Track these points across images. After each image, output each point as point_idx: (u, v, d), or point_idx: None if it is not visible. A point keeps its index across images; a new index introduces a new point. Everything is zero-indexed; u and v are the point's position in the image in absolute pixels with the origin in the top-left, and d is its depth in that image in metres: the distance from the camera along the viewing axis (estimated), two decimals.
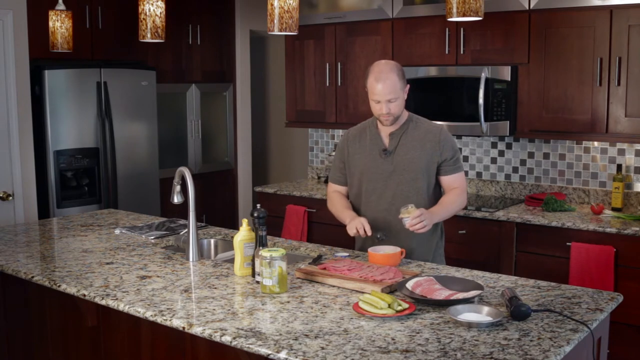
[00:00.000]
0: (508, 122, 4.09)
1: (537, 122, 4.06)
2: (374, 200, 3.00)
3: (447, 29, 4.29)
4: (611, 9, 3.72)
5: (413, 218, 2.72)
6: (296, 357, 1.86)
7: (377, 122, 3.04)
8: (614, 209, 3.94)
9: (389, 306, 2.15)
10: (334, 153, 5.09)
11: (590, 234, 3.61)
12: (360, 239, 3.08)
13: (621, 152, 4.10)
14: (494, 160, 4.59)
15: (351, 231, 2.88)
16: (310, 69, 5.04)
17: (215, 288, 2.50)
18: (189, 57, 5.79)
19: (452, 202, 2.96)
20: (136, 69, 5.18)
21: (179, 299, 2.39)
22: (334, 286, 2.49)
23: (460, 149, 4.71)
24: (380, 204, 2.98)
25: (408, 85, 2.95)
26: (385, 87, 2.85)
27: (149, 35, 3.21)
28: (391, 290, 2.42)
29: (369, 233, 2.85)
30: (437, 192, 3.04)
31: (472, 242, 4.00)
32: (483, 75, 4.10)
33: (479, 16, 2.85)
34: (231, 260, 2.87)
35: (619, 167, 3.99)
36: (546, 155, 4.37)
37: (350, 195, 3.13)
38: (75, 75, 4.78)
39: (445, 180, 3.00)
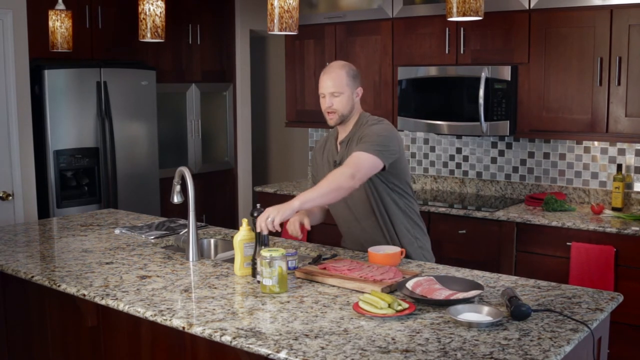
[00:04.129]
0: (508, 121, 4.09)
1: (537, 122, 4.06)
2: (339, 211, 3.01)
3: (447, 29, 4.29)
4: (611, 8, 3.72)
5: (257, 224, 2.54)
6: (296, 357, 1.86)
7: (337, 132, 2.98)
8: (614, 209, 3.94)
9: (389, 306, 2.15)
10: None
11: (591, 233, 3.61)
12: (348, 237, 3.08)
13: (621, 152, 4.10)
14: (494, 160, 4.59)
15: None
16: (310, 69, 5.04)
17: (215, 288, 2.50)
18: (189, 57, 5.79)
19: (325, 179, 2.63)
20: (136, 68, 5.17)
21: (179, 299, 2.38)
22: (334, 286, 2.49)
23: (460, 148, 4.71)
24: (341, 214, 3.01)
25: (360, 88, 2.89)
26: (329, 79, 2.83)
27: (149, 35, 3.21)
28: (391, 290, 2.42)
29: (308, 227, 2.79)
30: (395, 193, 2.89)
31: (472, 242, 4.00)
32: (483, 75, 4.09)
33: (479, 16, 2.85)
34: (231, 260, 2.87)
35: (619, 166, 3.99)
36: (546, 155, 4.37)
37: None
38: (75, 75, 4.78)
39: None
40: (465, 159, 4.70)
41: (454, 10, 2.83)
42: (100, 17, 5.05)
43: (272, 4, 2.71)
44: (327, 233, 4.44)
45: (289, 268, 2.45)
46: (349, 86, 2.84)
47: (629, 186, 4.08)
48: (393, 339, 1.98)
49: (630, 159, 4.08)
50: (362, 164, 2.66)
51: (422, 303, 2.27)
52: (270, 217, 2.50)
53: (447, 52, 4.31)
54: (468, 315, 2.12)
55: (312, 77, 5.03)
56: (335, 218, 3.09)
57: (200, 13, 5.85)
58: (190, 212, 2.91)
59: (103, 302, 2.41)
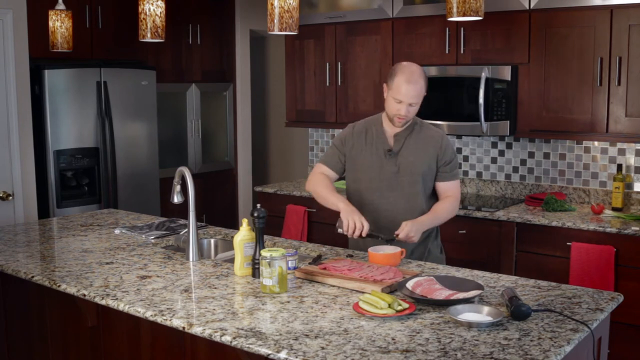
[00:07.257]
0: (508, 121, 4.09)
1: (537, 122, 4.06)
2: (376, 198, 2.99)
3: (447, 29, 4.29)
4: (611, 8, 3.72)
5: (403, 232, 2.78)
6: (296, 357, 1.86)
7: (381, 120, 3.03)
8: (614, 209, 3.94)
9: (389, 306, 2.15)
10: None
11: (591, 233, 3.61)
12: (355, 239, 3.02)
13: (621, 151, 4.10)
14: (494, 160, 4.59)
15: (347, 229, 2.78)
16: (310, 69, 5.04)
17: (215, 288, 2.50)
18: (189, 57, 5.79)
19: (444, 210, 2.99)
20: (136, 68, 5.17)
21: (179, 299, 2.38)
22: (334, 286, 2.49)
23: (460, 148, 4.71)
24: (382, 203, 2.99)
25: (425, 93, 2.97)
26: (414, 90, 2.85)
27: (149, 34, 3.21)
28: (391, 290, 2.41)
29: (364, 234, 2.79)
30: (433, 199, 3.06)
31: (472, 242, 4.00)
32: (483, 75, 4.09)
33: (479, 16, 2.85)
34: (231, 260, 2.87)
35: (619, 166, 3.99)
36: (546, 155, 4.37)
37: (349, 188, 3.09)
38: (75, 75, 4.78)
39: (441, 186, 3.03)
40: (466, 159, 4.70)
41: (454, 10, 2.83)
42: (100, 17, 5.05)
43: (272, 4, 2.71)
44: (327, 233, 4.45)
45: (289, 268, 2.45)
46: (423, 96, 2.93)
47: (629, 186, 4.08)
48: (393, 339, 1.98)
49: (630, 159, 4.08)
50: (459, 193, 3.09)
51: (422, 303, 2.27)
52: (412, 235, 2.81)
53: (447, 52, 4.31)
54: (468, 315, 2.12)
55: (312, 77, 5.03)
56: (370, 207, 3.00)
57: (200, 13, 5.85)
58: (190, 212, 2.91)
59: (103, 302, 2.41)
